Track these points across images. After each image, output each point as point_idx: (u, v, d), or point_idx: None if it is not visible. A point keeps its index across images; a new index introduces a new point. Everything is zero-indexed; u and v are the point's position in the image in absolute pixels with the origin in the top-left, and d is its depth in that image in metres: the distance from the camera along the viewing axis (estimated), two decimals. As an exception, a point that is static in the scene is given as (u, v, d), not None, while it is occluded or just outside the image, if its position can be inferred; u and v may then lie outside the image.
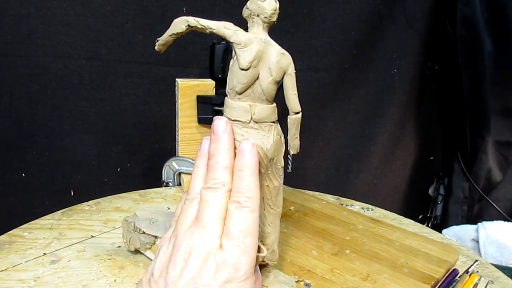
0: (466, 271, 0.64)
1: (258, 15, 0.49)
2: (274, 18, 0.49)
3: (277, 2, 0.49)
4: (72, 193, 1.09)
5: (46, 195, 1.08)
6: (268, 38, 0.49)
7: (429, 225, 1.43)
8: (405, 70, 1.27)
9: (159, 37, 0.51)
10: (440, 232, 1.18)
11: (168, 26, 0.50)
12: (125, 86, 1.05)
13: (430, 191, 1.48)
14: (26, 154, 1.05)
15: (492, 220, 1.25)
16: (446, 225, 1.35)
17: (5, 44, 0.97)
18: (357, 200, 0.90)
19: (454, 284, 0.61)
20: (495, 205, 1.33)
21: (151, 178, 1.06)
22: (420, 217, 1.43)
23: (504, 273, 0.67)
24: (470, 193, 1.37)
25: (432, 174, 1.47)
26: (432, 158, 1.46)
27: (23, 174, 1.06)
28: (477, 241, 1.20)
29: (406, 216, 0.85)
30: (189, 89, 0.92)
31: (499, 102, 1.25)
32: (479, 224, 1.22)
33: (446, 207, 1.42)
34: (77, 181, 1.09)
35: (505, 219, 1.25)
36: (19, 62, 0.98)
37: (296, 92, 0.50)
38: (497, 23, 1.18)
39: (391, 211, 0.87)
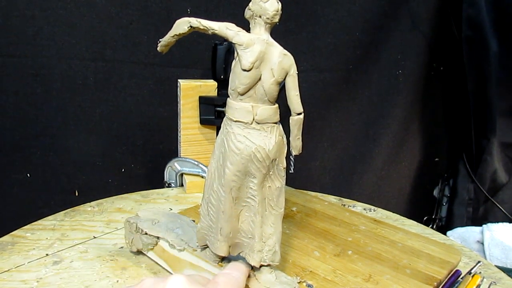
0: (469, 272, 0.64)
1: (260, 16, 0.49)
2: (276, 19, 0.49)
3: (279, 3, 0.49)
4: (76, 194, 1.09)
5: (51, 195, 1.08)
6: (270, 39, 0.49)
7: (434, 226, 1.42)
8: (410, 71, 1.26)
9: (161, 38, 0.51)
10: (445, 233, 1.17)
11: (172, 27, 0.50)
12: (129, 87, 1.05)
13: (435, 192, 1.47)
14: (30, 155, 1.05)
15: (497, 222, 1.24)
16: (451, 227, 1.35)
17: (11, 45, 0.97)
18: (361, 202, 0.90)
19: (456, 285, 0.61)
20: (500, 207, 1.32)
21: (156, 179, 1.06)
22: (425, 218, 1.42)
23: (509, 275, 0.66)
24: (475, 194, 1.36)
25: (437, 175, 1.46)
26: (437, 159, 1.45)
27: (28, 175, 1.06)
28: (482, 243, 1.19)
29: (410, 218, 0.84)
30: (191, 90, 0.92)
31: (504, 103, 1.25)
32: (484, 226, 1.22)
33: (451, 209, 1.42)
34: (81, 181, 1.09)
35: (510, 221, 1.24)
36: (24, 62, 0.99)
37: (298, 93, 0.50)
38: (503, 23, 1.18)
39: (395, 213, 0.86)
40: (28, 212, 1.06)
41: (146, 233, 0.62)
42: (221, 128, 0.53)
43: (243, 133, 0.50)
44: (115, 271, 0.62)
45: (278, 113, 0.51)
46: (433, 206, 1.46)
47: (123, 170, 1.11)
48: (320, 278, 0.60)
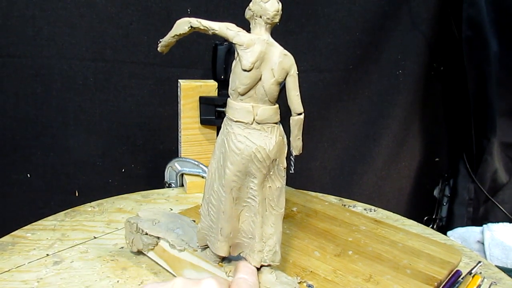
0: (469, 273, 0.64)
1: (260, 16, 0.49)
2: (277, 19, 0.49)
3: (280, 3, 0.49)
4: (77, 194, 1.09)
5: (51, 195, 1.08)
6: (271, 39, 0.49)
7: (434, 226, 1.42)
8: (410, 71, 1.26)
9: (162, 39, 0.51)
10: (445, 234, 1.17)
11: (172, 27, 0.50)
12: (129, 87, 1.05)
13: (436, 192, 1.47)
14: (31, 155, 1.05)
15: (498, 222, 1.24)
16: (451, 227, 1.35)
17: (11, 45, 0.97)
18: (361, 202, 0.90)
19: (457, 285, 0.61)
20: (500, 207, 1.32)
21: (156, 179, 1.06)
22: (425, 218, 1.42)
23: (509, 275, 0.66)
24: (475, 194, 1.36)
25: (437, 175, 1.46)
26: (437, 159, 1.45)
27: (28, 175, 1.06)
28: (483, 243, 1.19)
29: (411, 218, 0.84)
30: (192, 90, 0.92)
31: (504, 103, 1.25)
32: (484, 226, 1.22)
33: (451, 209, 1.41)
34: (82, 181, 1.09)
35: (510, 221, 1.24)
36: (25, 63, 0.99)
37: (298, 93, 0.50)
38: (503, 23, 1.18)
39: (396, 213, 0.86)
40: (28, 212, 1.07)
41: (146, 233, 0.62)
42: (222, 128, 0.53)
43: (243, 133, 0.50)
44: (115, 271, 0.62)
45: (279, 113, 0.51)
46: (434, 206, 1.46)
47: (123, 170, 1.11)
48: (320, 278, 0.60)
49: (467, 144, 1.35)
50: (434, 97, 1.37)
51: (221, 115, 0.92)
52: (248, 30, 0.49)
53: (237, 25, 0.49)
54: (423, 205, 1.46)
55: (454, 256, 0.67)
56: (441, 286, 0.61)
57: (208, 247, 0.57)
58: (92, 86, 1.03)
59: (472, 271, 0.65)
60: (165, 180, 0.96)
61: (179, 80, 0.94)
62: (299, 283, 0.58)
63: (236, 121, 0.50)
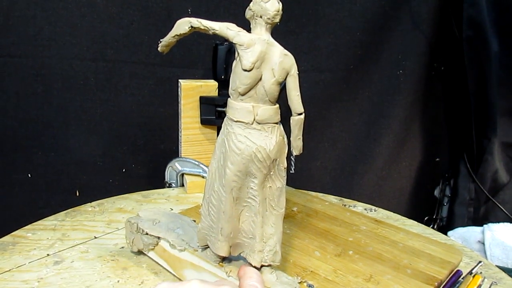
0: (470, 272, 0.64)
1: (261, 16, 0.49)
2: (277, 19, 0.49)
3: (280, 3, 0.49)
4: (77, 194, 1.09)
5: (52, 195, 1.08)
6: (271, 39, 0.49)
7: (435, 226, 1.42)
8: (410, 71, 1.26)
9: (162, 39, 0.51)
10: (446, 234, 1.17)
11: (173, 27, 0.50)
12: (130, 87, 1.06)
13: (436, 192, 1.47)
14: (31, 155, 1.05)
15: (498, 222, 1.24)
16: (452, 227, 1.34)
17: (12, 45, 0.97)
18: (362, 202, 0.90)
19: (457, 285, 0.61)
20: (501, 207, 1.32)
21: (157, 179, 1.06)
22: (426, 218, 1.42)
23: (510, 275, 0.66)
24: (476, 194, 1.36)
25: (438, 175, 1.46)
26: (438, 159, 1.45)
27: (29, 175, 1.06)
28: (483, 243, 1.19)
29: (411, 218, 0.84)
30: (192, 90, 0.92)
31: (505, 102, 1.25)
32: (485, 226, 1.22)
33: (452, 209, 1.41)
34: (82, 181, 1.09)
35: (511, 221, 1.24)
36: (26, 63, 0.99)
37: (299, 93, 0.50)
38: (503, 23, 1.18)
39: (396, 213, 0.86)
40: (29, 212, 1.07)
41: (147, 233, 0.62)
42: (222, 128, 0.52)
43: (244, 133, 0.50)
44: (116, 271, 0.62)
45: (279, 113, 0.51)
46: (434, 206, 1.46)
47: (124, 170, 1.11)
48: (321, 278, 0.60)
49: (467, 144, 1.35)
50: (434, 97, 1.37)
51: (221, 115, 0.92)
52: (248, 30, 0.49)
53: (238, 25, 0.49)
54: (424, 205, 1.46)
55: (455, 256, 0.67)
56: (442, 286, 0.61)
57: (208, 247, 0.57)
58: (93, 86, 1.04)
59: (473, 271, 0.65)
60: (166, 180, 0.96)
61: (180, 80, 0.94)
62: (299, 283, 0.58)
63: (237, 121, 0.50)
